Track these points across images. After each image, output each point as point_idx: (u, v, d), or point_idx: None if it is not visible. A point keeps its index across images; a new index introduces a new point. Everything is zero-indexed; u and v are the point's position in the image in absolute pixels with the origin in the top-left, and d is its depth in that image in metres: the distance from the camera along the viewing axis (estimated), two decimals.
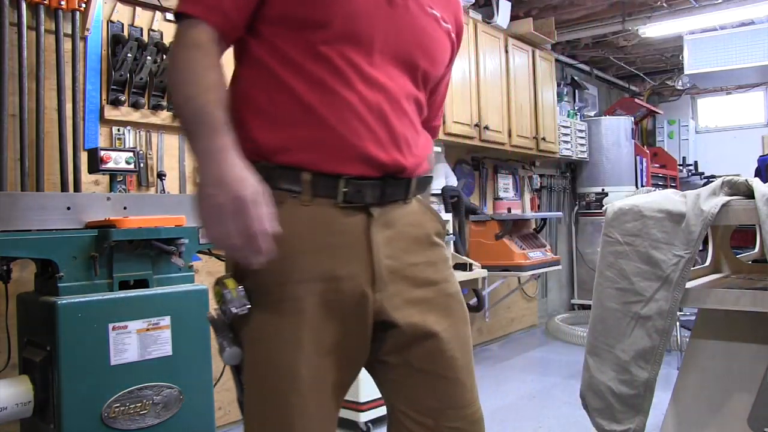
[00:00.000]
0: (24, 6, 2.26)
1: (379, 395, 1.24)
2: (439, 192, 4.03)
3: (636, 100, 6.87)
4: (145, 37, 2.67)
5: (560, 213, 5.62)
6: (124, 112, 2.59)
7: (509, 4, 4.54)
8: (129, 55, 2.54)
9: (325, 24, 1.05)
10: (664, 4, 5.06)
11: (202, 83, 1.02)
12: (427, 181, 1.20)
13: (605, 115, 6.31)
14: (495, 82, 4.35)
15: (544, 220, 5.03)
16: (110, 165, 2.16)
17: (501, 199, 4.99)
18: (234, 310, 1.05)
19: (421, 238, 1.16)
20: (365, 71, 1.06)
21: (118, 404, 1.84)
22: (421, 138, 1.17)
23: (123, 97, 2.59)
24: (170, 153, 2.78)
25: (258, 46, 1.09)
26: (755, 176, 3.61)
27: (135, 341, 1.88)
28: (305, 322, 1.06)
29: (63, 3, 2.37)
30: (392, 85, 1.09)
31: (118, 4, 2.63)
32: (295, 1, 1.06)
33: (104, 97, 2.56)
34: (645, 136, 7.84)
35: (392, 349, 1.14)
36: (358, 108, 1.05)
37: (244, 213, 0.94)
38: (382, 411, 2.79)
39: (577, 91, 6.24)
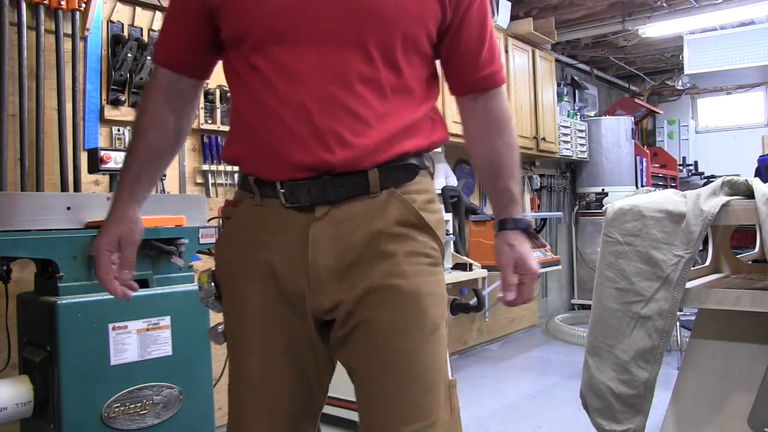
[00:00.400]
0: (24, 6, 2.26)
1: None
2: (439, 192, 4.03)
3: (636, 100, 6.87)
4: (145, 37, 2.67)
5: (560, 213, 5.62)
6: (124, 112, 2.58)
7: (509, 4, 4.54)
8: (129, 55, 2.53)
9: (247, 32, 1.06)
10: (664, 4, 5.06)
11: (134, 131, 1.24)
12: (398, 170, 1.08)
13: (605, 115, 6.30)
14: None
15: (544, 220, 5.03)
16: (110, 165, 2.16)
17: None
18: (203, 301, 1.21)
19: (376, 232, 1.07)
20: (289, 69, 1.03)
21: (118, 404, 1.84)
22: (382, 123, 1.05)
23: (123, 97, 2.59)
24: None
25: (225, 68, 1.18)
26: (755, 176, 3.61)
27: (135, 341, 1.88)
28: (255, 321, 1.11)
29: (63, 3, 2.36)
30: (319, 78, 1.02)
31: (118, 4, 2.63)
32: (225, 21, 1.10)
33: (104, 97, 2.56)
34: (645, 136, 7.84)
35: (334, 351, 1.13)
36: (280, 112, 1.03)
37: (95, 260, 1.20)
38: None
39: (577, 91, 6.24)
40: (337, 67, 1.03)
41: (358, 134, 1.03)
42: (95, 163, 2.16)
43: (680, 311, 2.49)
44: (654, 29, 5.32)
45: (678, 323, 3.81)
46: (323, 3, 1.03)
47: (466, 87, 1.22)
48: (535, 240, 1.17)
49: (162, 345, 1.94)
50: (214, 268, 1.21)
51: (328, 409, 3.11)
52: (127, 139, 2.62)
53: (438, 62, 1.20)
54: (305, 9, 1.03)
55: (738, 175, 1.93)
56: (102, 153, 2.14)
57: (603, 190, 5.83)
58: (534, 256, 1.21)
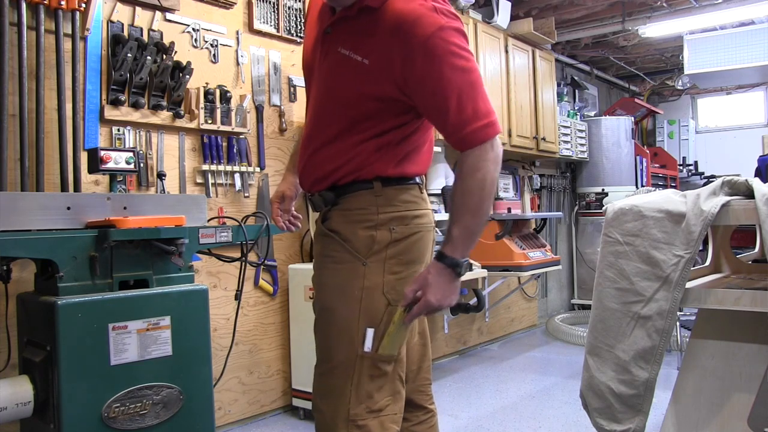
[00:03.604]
0: (24, 6, 2.26)
1: None
2: (439, 192, 4.03)
3: (636, 100, 6.86)
4: (145, 37, 2.67)
5: (560, 213, 5.62)
6: (124, 112, 2.59)
7: (509, 4, 4.54)
8: (129, 55, 2.53)
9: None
10: (664, 4, 5.06)
11: None
12: (321, 196, 1.51)
13: (605, 115, 6.30)
14: (495, 82, 4.35)
15: (544, 220, 5.02)
16: (110, 165, 2.16)
17: (501, 199, 4.99)
18: None
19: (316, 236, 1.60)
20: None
21: (118, 404, 1.84)
22: (314, 162, 1.50)
23: (123, 97, 2.58)
24: (170, 153, 2.78)
25: None
26: (755, 176, 3.61)
27: (135, 341, 1.88)
28: None
29: (63, 3, 2.36)
30: (307, 123, 1.55)
31: (118, 4, 2.63)
32: None
33: (104, 97, 2.55)
34: (645, 136, 7.84)
35: None
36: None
37: (271, 208, 1.80)
38: None
39: (577, 91, 6.24)
40: (312, 118, 1.55)
41: (304, 166, 1.55)
42: (95, 163, 2.16)
43: (680, 311, 2.49)
44: (654, 29, 5.32)
45: (678, 323, 3.81)
46: (318, 76, 1.52)
47: (448, 141, 1.43)
48: (451, 279, 1.40)
49: (162, 345, 1.94)
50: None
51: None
52: (127, 139, 2.62)
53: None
54: (315, 79, 1.55)
55: (738, 175, 1.93)
56: (102, 153, 2.14)
57: (603, 190, 5.83)
58: (441, 289, 1.37)
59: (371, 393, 1.42)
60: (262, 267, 3.13)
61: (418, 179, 1.54)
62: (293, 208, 1.81)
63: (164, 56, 2.63)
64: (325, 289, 1.51)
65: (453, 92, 1.35)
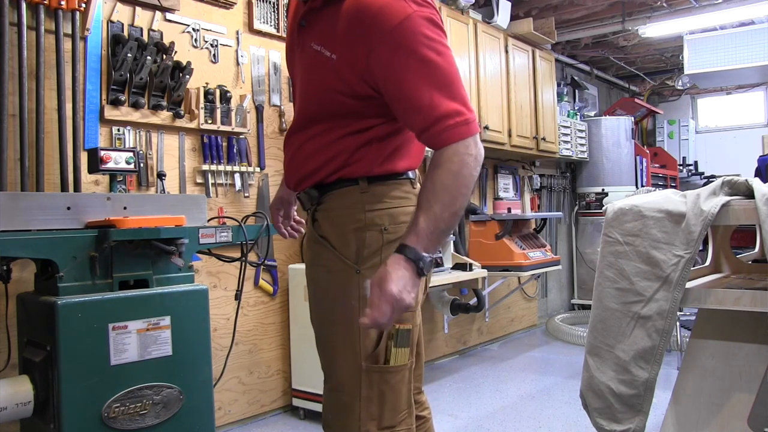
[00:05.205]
0: (24, 6, 2.26)
1: None
2: None
3: (636, 100, 6.87)
4: (145, 37, 2.67)
5: (560, 213, 5.62)
6: (124, 112, 2.59)
7: (509, 4, 4.54)
8: (129, 55, 2.53)
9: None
10: (664, 4, 5.06)
11: None
12: (306, 194, 1.44)
13: (605, 115, 6.31)
14: (495, 82, 4.35)
15: (544, 220, 5.02)
16: (110, 165, 2.16)
17: (501, 199, 4.99)
18: None
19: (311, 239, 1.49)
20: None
21: (118, 404, 1.84)
22: (297, 159, 1.43)
23: (123, 97, 2.59)
24: (170, 153, 2.78)
25: None
26: (755, 176, 3.61)
27: (135, 341, 1.89)
28: None
29: (63, 3, 2.36)
30: (293, 119, 1.47)
31: (118, 4, 2.63)
32: None
33: (104, 97, 2.56)
34: (645, 136, 7.84)
35: None
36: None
37: (272, 214, 1.79)
38: None
39: (577, 91, 6.24)
40: (297, 118, 1.48)
41: (291, 166, 1.47)
42: (95, 163, 2.16)
43: (680, 311, 2.49)
44: (654, 29, 5.32)
45: (678, 323, 3.81)
46: (299, 77, 1.45)
47: (420, 140, 1.32)
48: (411, 273, 1.16)
49: (162, 345, 1.94)
50: None
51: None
52: (127, 139, 2.62)
53: None
54: (297, 83, 1.50)
55: (738, 175, 1.93)
56: (102, 153, 2.14)
57: (603, 190, 5.84)
58: (400, 281, 1.16)
59: (382, 408, 1.36)
60: (262, 267, 3.13)
61: (410, 174, 1.43)
62: (294, 213, 1.75)
63: (164, 56, 2.63)
64: (320, 301, 1.44)
65: (423, 88, 1.22)
